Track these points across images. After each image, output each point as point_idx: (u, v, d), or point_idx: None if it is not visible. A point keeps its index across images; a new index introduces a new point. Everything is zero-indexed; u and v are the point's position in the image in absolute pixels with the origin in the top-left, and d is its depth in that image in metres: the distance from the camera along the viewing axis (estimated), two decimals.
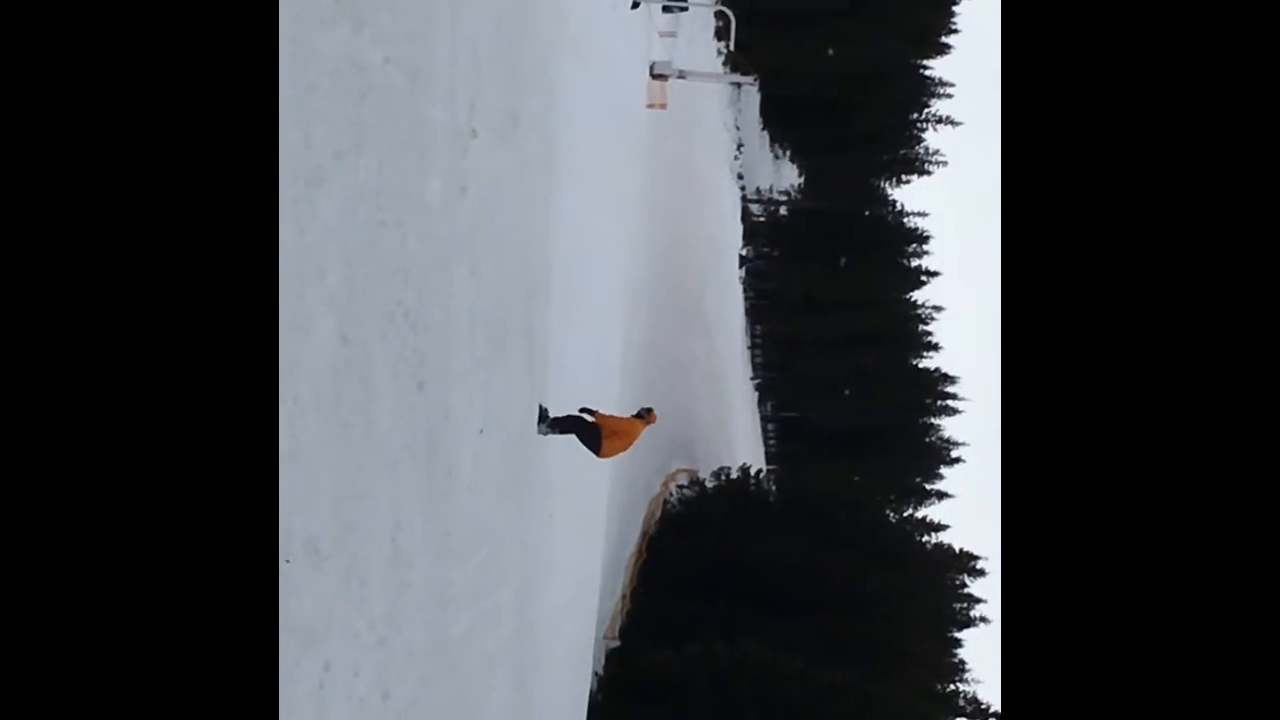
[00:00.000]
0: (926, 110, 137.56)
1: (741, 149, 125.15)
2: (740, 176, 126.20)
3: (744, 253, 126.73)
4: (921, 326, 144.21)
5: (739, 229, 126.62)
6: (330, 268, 9.83)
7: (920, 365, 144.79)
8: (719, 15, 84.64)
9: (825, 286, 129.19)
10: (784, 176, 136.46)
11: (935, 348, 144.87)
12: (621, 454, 23.76)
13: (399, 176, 12.00)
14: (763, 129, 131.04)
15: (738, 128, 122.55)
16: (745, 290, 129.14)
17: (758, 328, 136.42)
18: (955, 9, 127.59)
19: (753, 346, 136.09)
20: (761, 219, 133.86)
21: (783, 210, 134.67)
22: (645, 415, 23.27)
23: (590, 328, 33.03)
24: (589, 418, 22.54)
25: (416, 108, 12.72)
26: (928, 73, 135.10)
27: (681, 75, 54.98)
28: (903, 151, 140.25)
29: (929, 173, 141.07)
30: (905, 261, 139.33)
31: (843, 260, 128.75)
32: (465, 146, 14.95)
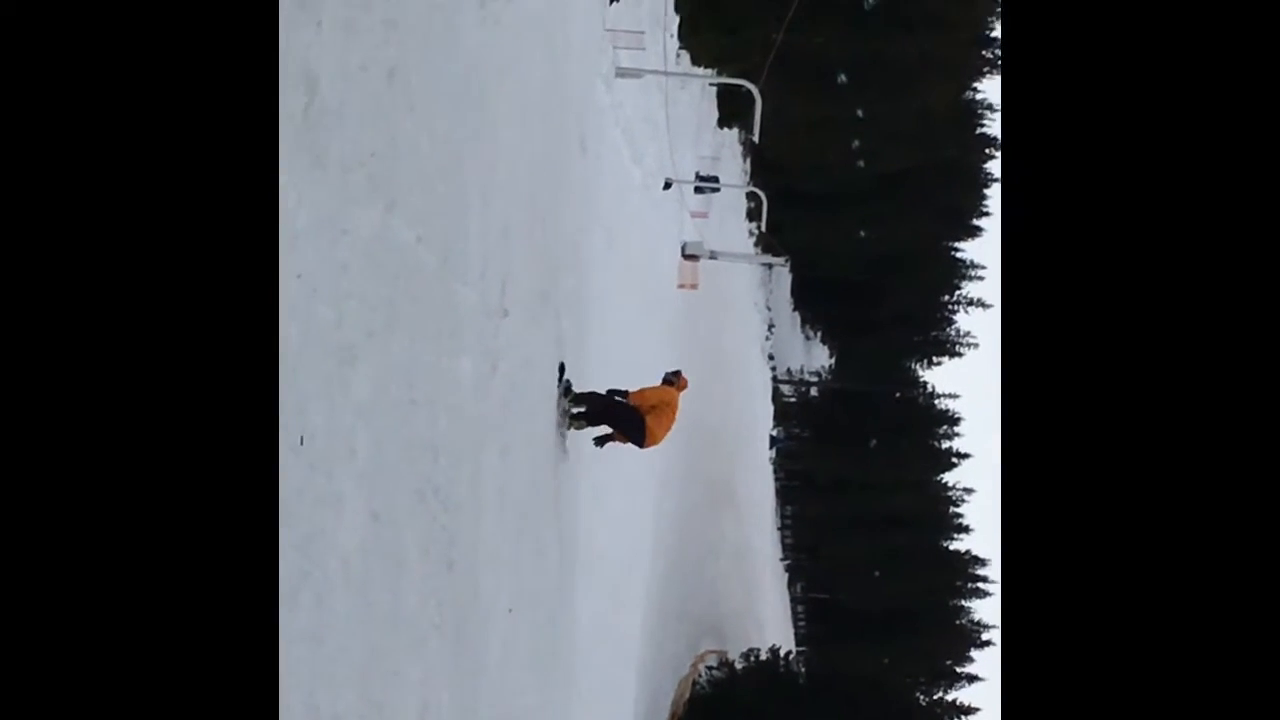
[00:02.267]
0: (958, 292, 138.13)
1: (773, 329, 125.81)
2: (771, 357, 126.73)
3: (775, 433, 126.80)
4: (952, 508, 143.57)
5: (770, 409, 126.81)
6: (361, 445, 9.86)
7: (951, 547, 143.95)
8: (751, 196, 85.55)
9: (856, 468, 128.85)
10: (815, 357, 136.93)
11: (966, 530, 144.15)
12: (670, 432, 21.22)
13: (431, 355, 12.07)
14: (794, 309, 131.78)
15: (769, 308, 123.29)
16: (775, 471, 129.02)
17: (788, 508, 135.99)
18: (986, 191, 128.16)
19: (783, 527, 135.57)
20: (792, 399, 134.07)
21: (814, 391, 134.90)
22: (674, 380, 21.32)
23: (619, 512, 32.99)
24: (621, 398, 20.67)
25: (448, 287, 12.82)
26: (959, 255, 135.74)
27: (713, 256, 55.37)
28: (934, 333, 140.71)
29: (960, 354, 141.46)
30: (936, 443, 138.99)
31: (873, 441, 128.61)
32: (496, 326, 15.06)
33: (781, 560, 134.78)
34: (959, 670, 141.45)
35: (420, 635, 11.75)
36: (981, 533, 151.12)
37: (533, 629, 17.99)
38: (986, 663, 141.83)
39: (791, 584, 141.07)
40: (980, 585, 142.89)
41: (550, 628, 19.94)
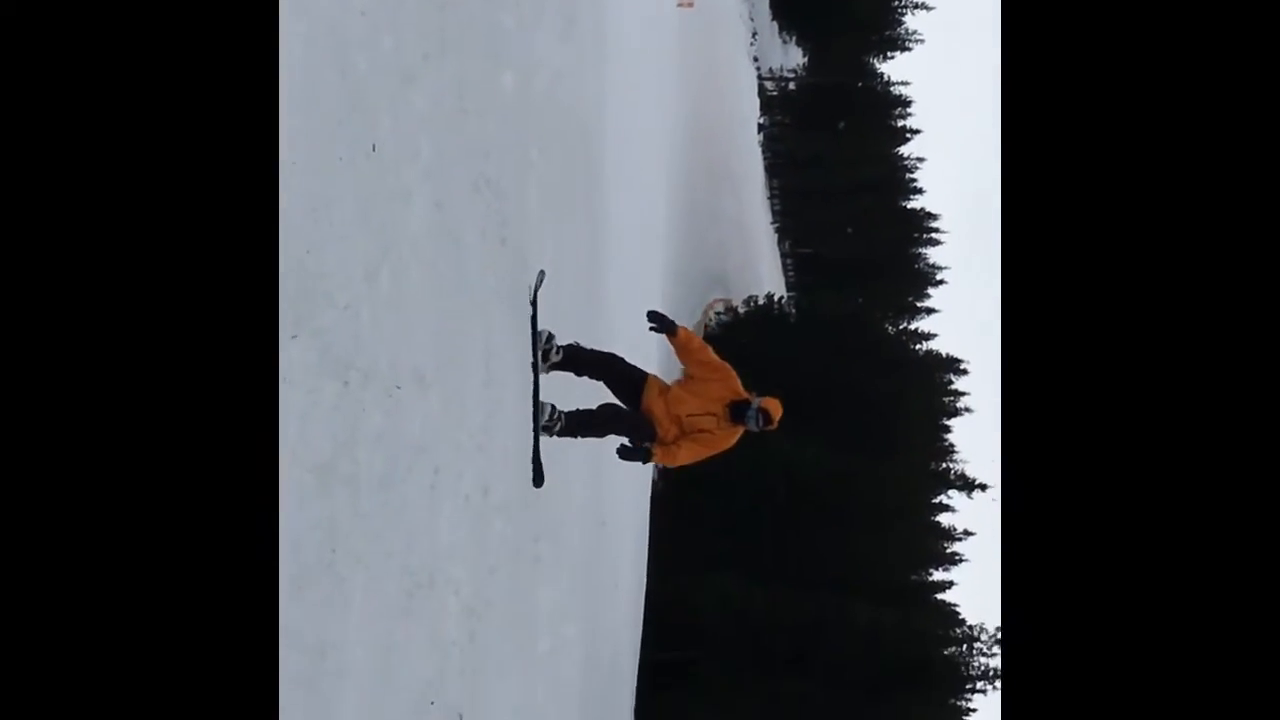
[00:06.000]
0: None
1: (756, 36, 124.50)
2: (756, 59, 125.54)
3: (761, 121, 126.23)
4: (908, 175, 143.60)
5: (756, 102, 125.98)
6: (423, 149, 9.77)
7: (909, 206, 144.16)
8: None
9: (829, 145, 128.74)
10: (791, 57, 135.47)
11: (920, 191, 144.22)
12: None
13: (479, 73, 11.93)
14: (772, 19, 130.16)
15: (752, 19, 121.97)
16: (764, 151, 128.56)
17: (775, 181, 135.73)
18: None
19: (771, 197, 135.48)
20: (774, 94, 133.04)
21: (791, 85, 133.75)
22: (758, 420, 11.62)
23: (638, 193, 32.94)
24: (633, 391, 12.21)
25: (490, 13, 12.62)
26: None
27: None
28: (887, 32, 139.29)
29: (909, 49, 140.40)
30: (893, 122, 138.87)
31: (842, 124, 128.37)
32: (530, 41, 14.82)
33: (772, 224, 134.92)
34: (919, 305, 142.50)
35: (482, 301, 11.76)
36: (932, 193, 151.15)
37: (573, 284, 17.98)
38: (940, 297, 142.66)
39: (781, 242, 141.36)
40: (933, 235, 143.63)
41: (588, 287, 19.98)
